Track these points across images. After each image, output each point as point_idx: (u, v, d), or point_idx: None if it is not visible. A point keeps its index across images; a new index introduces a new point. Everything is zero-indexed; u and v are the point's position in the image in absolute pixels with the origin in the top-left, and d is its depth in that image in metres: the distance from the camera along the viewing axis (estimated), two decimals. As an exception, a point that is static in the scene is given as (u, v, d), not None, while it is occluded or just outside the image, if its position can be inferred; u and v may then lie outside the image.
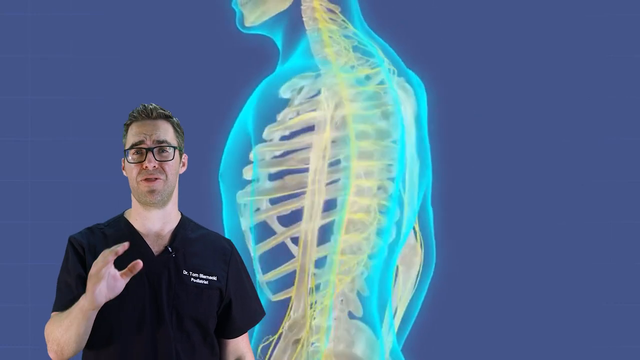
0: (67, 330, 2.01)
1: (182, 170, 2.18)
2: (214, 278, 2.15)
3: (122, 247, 1.92)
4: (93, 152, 3.45)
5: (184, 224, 2.19)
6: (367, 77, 3.05)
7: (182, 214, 2.21)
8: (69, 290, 2.10)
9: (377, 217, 2.95)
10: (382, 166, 2.96)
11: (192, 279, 2.12)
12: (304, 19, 3.11)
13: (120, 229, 2.15)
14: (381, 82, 3.03)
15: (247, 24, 3.18)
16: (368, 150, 2.95)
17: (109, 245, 2.11)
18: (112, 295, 1.95)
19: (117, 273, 1.94)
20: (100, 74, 3.51)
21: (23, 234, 3.48)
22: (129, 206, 2.20)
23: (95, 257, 2.07)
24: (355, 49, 3.08)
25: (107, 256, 1.91)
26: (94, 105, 3.50)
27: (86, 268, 2.08)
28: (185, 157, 2.18)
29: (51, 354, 2.06)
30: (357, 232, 2.94)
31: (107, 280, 1.92)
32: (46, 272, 3.25)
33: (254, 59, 3.13)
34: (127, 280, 1.95)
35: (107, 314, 2.07)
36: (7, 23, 3.54)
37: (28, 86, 3.53)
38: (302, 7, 3.12)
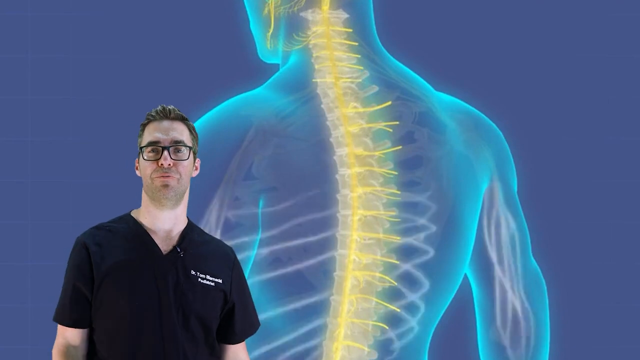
0: None
1: (195, 173, 2.20)
2: (220, 280, 2.17)
3: None
4: (93, 152, 3.46)
5: (191, 228, 2.21)
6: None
7: (189, 218, 2.23)
8: (64, 297, 2.14)
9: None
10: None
11: (199, 279, 2.14)
12: (313, 54, 2.89)
13: (129, 226, 2.16)
14: None
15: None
16: None
17: (116, 240, 2.13)
18: None
19: None
20: (100, 74, 3.51)
21: (23, 234, 3.49)
22: (130, 206, 2.21)
23: (101, 255, 2.10)
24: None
25: None
26: (94, 105, 3.50)
27: (90, 271, 2.11)
28: (198, 161, 2.21)
29: None
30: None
31: None
32: (46, 272, 3.27)
33: (255, 59, 3.13)
34: None
35: (114, 311, 2.09)
36: (7, 23, 3.54)
37: (28, 86, 3.53)
38: (310, 43, 2.91)
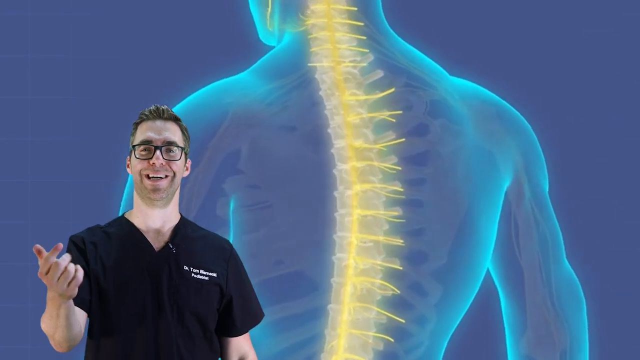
0: (50, 320, 2.02)
1: (185, 174, 2.22)
2: (214, 274, 2.19)
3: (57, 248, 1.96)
4: (93, 152, 3.46)
5: (184, 224, 2.23)
6: None
7: (182, 215, 2.24)
8: None
9: None
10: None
11: (192, 274, 2.16)
12: (312, 35, 2.67)
13: (121, 227, 2.18)
14: None
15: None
16: None
17: (111, 243, 2.15)
18: (74, 283, 1.93)
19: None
20: (100, 74, 3.51)
21: (23, 234, 3.49)
22: (129, 207, 2.22)
23: (95, 252, 2.12)
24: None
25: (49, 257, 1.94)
26: (94, 105, 3.50)
27: (88, 261, 2.11)
28: (189, 161, 2.23)
29: (53, 345, 2.09)
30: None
31: (54, 273, 1.93)
32: (46, 272, 3.26)
33: (258, 57, 3.13)
34: (67, 262, 1.94)
35: (109, 308, 2.11)
36: (7, 23, 3.54)
37: (28, 86, 3.54)
38: (308, 23, 2.68)
